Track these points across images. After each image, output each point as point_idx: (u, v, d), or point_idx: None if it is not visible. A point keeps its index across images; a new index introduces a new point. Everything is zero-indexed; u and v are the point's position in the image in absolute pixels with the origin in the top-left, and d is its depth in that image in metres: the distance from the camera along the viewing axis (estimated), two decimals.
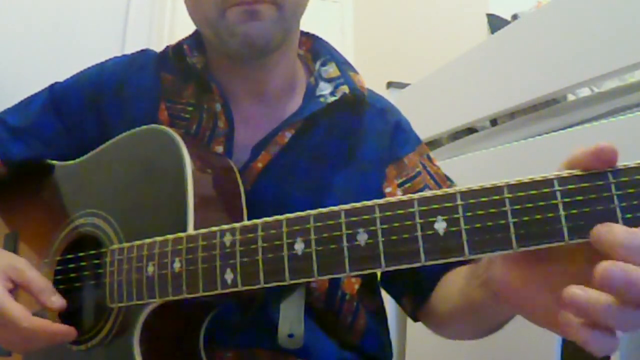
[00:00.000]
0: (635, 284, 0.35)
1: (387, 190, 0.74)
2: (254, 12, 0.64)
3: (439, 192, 0.43)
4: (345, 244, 0.45)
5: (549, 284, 0.42)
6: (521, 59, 1.19)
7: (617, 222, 0.37)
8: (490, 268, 0.49)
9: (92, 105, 0.77)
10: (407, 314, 0.77)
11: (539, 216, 0.39)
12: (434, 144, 1.53)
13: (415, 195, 0.44)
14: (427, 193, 0.43)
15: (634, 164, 0.38)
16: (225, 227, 0.52)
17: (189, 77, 0.75)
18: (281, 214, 0.51)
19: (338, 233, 0.46)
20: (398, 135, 0.78)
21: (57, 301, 0.63)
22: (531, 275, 0.44)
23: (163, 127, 0.65)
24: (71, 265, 0.68)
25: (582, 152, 0.39)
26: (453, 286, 0.66)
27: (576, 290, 0.37)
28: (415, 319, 0.76)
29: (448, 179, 0.79)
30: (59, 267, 0.69)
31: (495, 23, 1.84)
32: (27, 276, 0.63)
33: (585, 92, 1.15)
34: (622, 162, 0.39)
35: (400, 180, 0.75)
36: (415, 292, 0.73)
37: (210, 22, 0.67)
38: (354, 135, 0.75)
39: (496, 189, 0.41)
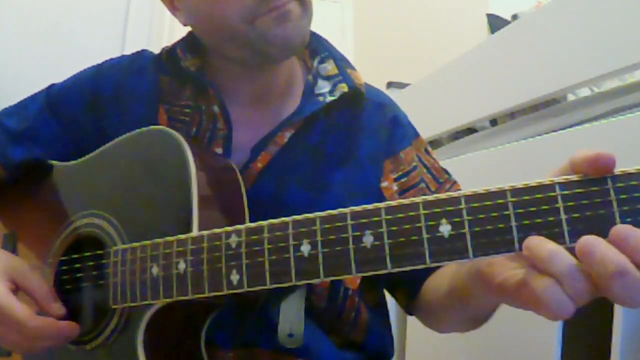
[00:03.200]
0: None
1: (383, 184, 0.75)
2: (286, 14, 0.64)
3: (443, 195, 0.44)
4: (351, 245, 0.46)
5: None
6: (521, 59, 1.19)
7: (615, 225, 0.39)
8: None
9: (89, 107, 0.77)
10: (402, 307, 0.78)
11: (541, 219, 0.41)
12: (434, 144, 1.54)
13: (421, 199, 0.44)
14: (432, 197, 0.44)
15: (633, 169, 0.39)
16: (230, 228, 0.53)
17: (186, 79, 0.75)
18: (281, 212, 0.52)
19: (344, 235, 0.46)
20: (395, 129, 0.78)
21: (57, 309, 0.63)
22: (515, 257, 0.45)
23: (166, 128, 0.65)
24: (73, 266, 0.68)
25: (580, 157, 0.40)
26: (443, 276, 0.67)
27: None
28: (410, 313, 0.77)
29: (445, 171, 0.80)
30: (61, 268, 0.69)
31: (495, 23, 1.84)
32: (29, 280, 0.64)
33: (585, 92, 1.16)
34: (622, 161, 0.40)
35: (396, 175, 0.75)
36: (409, 285, 0.74)
37: (237, 36, 0.66)
38: (352, 131, 0.75)
39: (499, 193, 0.42)
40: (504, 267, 0.46)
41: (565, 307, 0.39)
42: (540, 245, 0.39)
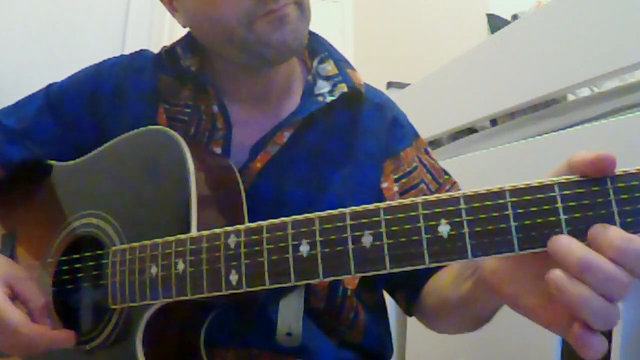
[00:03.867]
0: (613, 278, 0.38)
1: (384, 185, 0.75)
2: (283, 17, 0.64)
3: (442, 195, 0.44)
4: (350, 245, 0.46)
5: (537, 274, 0.43)
6: (521, 59, 1.19)
7: (615, 225, 0.39)
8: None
9: (89, 107, 0.77)
10: (401, 308, 0.78)
11: (540, 220, 0.40)
12: (434, 144, 1.54)
13: (420, 199, 0.44)
14: (432, 197, 0.44)
15: (632, 170, 0.39)
16: (229, 228, 0.53)
17: (186, 78, 0.75)
18: (280, 212, 0.52)
19: (343, 235, 0.46)
20: (395, 130, 0.78)
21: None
22: (521, 265, 0.45)
23: (165, 128, 0.65)
24: (72, 266, 0.68)
25: (580, 159, 0.40)
26: (445, 279, 0.67)
27: (559, 273, 0.39)
28: (409, 314, 0.77)
29: (445, 172, 0.80)
30: (60, 268, 0.69)
31: (495, 23, 1.84)
32: (26, 289, 0.64)
33: (585, 92, 1.15)
34: (621, 161, 0.40)
35: (396, 176, 0.75)
36: (409, 286, 0.73)
37: (235, 39, 0.66)
38: (352, 132, 0.75)
39: (499, 193, 0.42)
40: (510, 277, 0.45)
41: (595, 344, 0.39)
42: (606, 231, 0.39)
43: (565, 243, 0.39)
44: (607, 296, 0.38)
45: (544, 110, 1.18)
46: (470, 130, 1.44)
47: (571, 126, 1.04)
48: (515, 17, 1.71)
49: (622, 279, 0.38)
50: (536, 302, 0.44)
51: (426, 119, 1.41)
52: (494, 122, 1.35)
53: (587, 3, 1.04)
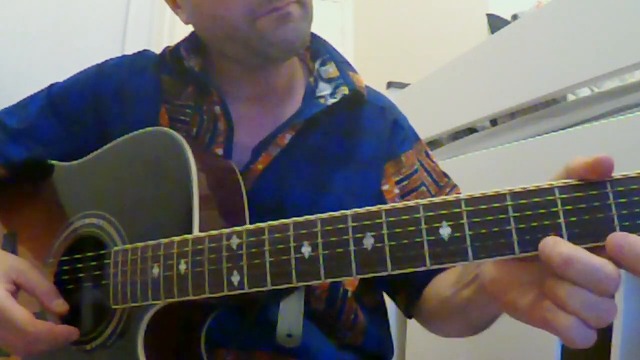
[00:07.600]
0: (599, 270, 0.38)
1: (385, 187, 0.75)
2: (286, 15, 0.65)
3: (444, 198, 0.44)
4: (352, 247, 0.46)
5: (535, 281, 0.43)
6: (521, 59, 1.19)
7: (614, 229, 0.39)
8: (481, 263, 0.49)
9: (91, 107, 0.77)
10: (401, 311, 0.78)
11: (539, 223, 0.41)
12: (434, 144, 1.54)
13: (421, 201, 0.44)
14: (433, 199, 0.44)
15: (632, 173, 0.39)
16: (231, 230, 0.53)
17: (188, 79, 0.75)
18: (281, 214, 0.52)
19: (345, 237, 0.46)
20: (396, 133, 0.78)
21: (60, 305, 0.64)
22: (521, 272, 0.44)
23: (167, 129, 0.65)
24: (74, 266, 0.69)
25: (578, 163, 0.40)
26: (445, 284, 0.67)
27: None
28: (409, 316, 0.77)
29: (445, 175, 0.80)
30: (61, 268, 0.69)
31: (495, 23, 1.85)
32: (30, 279, 0.64)
33: (585, 92, 1.16)
34: (622, 162, 0.40)
35: (397, 178, 0.75)
36: (409, 289, 0.74)
37: (237, 36, 0.66)
38: (353, 134, 0.75)
39: (499, 196, 0.42)
40: (510, 285, 0.45)
41: (584, 336, 0.39)
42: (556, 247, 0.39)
43: (550, 242, 0.39)
44: (596, 290, 0.38)
45: (544, 110, 1.19)
46: (470, 130, 1.44)
47: (571, 126, 1.04)
48: (515, 17, 1.71)
49: (609, 271, 0.38)
50: (531, 304, 0.43)
51: (426, 119, 1.41)
52: (494, 122, 1.36)
53: (587, 3, 1.04)
